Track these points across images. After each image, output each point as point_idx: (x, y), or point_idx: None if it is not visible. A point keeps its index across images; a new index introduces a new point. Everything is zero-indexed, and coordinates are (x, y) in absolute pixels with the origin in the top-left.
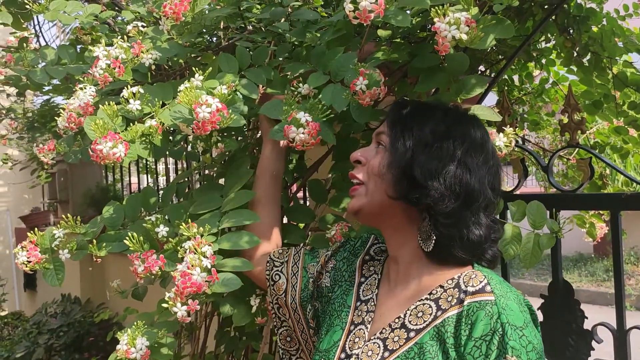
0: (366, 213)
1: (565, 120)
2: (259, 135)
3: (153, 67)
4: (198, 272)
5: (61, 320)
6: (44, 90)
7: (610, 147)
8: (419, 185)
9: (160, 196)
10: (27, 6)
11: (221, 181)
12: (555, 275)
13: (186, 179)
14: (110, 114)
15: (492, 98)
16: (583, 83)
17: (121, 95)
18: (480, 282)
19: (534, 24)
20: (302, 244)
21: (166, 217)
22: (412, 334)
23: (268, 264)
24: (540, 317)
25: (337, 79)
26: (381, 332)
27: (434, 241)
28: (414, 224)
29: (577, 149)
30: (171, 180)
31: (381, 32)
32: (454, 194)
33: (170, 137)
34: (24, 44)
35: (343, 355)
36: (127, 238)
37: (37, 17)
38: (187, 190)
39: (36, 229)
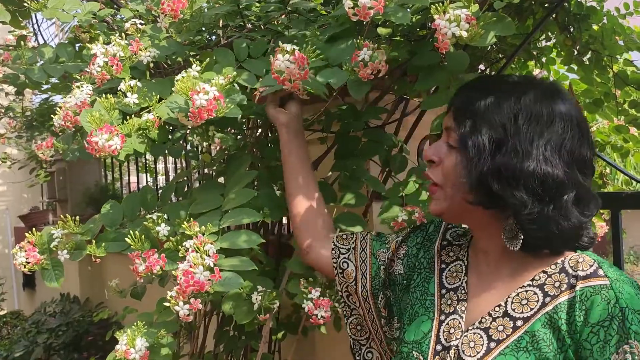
0: (449, 216)
1: None
2: (258, 133)
3: (151, 65)
4: (201, 271)
5: (60, 320)
6: (42, 88)
7: (611, 145)
8: (498, 196)
9: (159, 195)
10: (25, 4)
11: (221, 180)
12: None
13: (185, 178)
14: (107, 107)
15: None
16: (583, 81)
17: (118, 88)
18: (590, 266)
19: (534, 23)
20: (366, 231)
21: (165, 215)
22: (519, 323)
23: (334, 251)
24: None
25: (335, 64)
26: (480, 322)
27: (521, 240)
28: (499, 222)
29: None
30: (170, 180)
31: (381, 30)
32: (538, 196)
33: (170, 136)
34: (22, 42)
35: (439, 347)
36: (129, 237)
37: (35, 15)
38: (186, 189)
39: (35, 228)
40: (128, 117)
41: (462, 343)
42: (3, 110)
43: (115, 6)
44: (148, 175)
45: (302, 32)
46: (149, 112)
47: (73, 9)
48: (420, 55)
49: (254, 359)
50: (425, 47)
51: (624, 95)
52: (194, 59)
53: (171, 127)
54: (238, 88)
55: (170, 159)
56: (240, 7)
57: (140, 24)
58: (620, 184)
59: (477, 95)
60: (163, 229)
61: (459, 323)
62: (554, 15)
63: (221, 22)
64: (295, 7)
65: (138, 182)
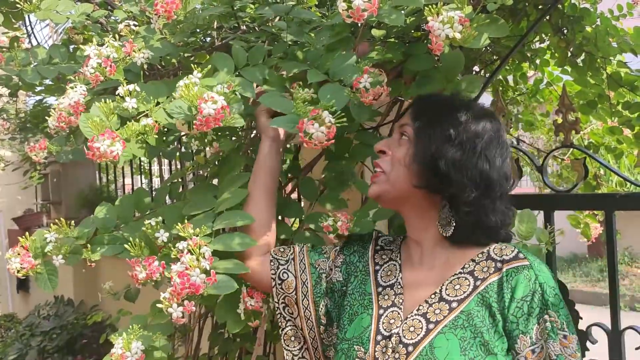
0: (387, 198)
1: (560, 120)
2: (252, 135)
3: (145, 66)
4: (197, 274)
5: (54, 323)
6: (36, 90)
7: (605, 147)
8: (443, 176)
9: (153, 197)
10: (18, 5)
11: (214, 181)
12: None
13: (179, 179)
14: (106, 112)
15: (486, 98)
16: (577, 83)
17: (117, 92)
18: (512, 251)
19: (528, 24)
20: (302, 243)
21: (160, 218)
22: (454, 304)
23: (272, 263)
24: None
25: (335, 79)
26: (418, 309)
27: (453, 227)
28: (435, 210)
29: (571, 149)
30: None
31: (375, 32)
32: (475, 184)
33: (164, 138)
34: (15, 44)
35: (379, 337)
36: (129, 244)
37: (28, 16)
38: (180, 190)
39: (29, 230)
40: (128, 121)
41: (402, 330)
42: None
43: (108, 7)
44: (143, 176)
45: (298, 40)
46: (146, 116)
47: (66, 10)
48: (416, 58)
49: None
50: (419, 49)
51: (618, 97)
52: (194, 65)
53: (165, 129)
54: (240, 97)
55: (165, 161)
56: (235, 8)
57: (134, 25)
58: (615, 185)
59: (433, 102)
60: (162, 235)
61: (398, 314)
62: (547, 17)
63: (215, 23)
64: (292, 16)
65: (133, 184)
